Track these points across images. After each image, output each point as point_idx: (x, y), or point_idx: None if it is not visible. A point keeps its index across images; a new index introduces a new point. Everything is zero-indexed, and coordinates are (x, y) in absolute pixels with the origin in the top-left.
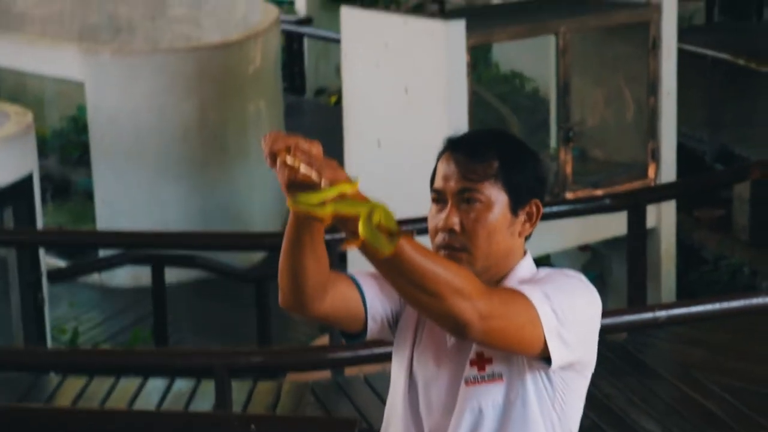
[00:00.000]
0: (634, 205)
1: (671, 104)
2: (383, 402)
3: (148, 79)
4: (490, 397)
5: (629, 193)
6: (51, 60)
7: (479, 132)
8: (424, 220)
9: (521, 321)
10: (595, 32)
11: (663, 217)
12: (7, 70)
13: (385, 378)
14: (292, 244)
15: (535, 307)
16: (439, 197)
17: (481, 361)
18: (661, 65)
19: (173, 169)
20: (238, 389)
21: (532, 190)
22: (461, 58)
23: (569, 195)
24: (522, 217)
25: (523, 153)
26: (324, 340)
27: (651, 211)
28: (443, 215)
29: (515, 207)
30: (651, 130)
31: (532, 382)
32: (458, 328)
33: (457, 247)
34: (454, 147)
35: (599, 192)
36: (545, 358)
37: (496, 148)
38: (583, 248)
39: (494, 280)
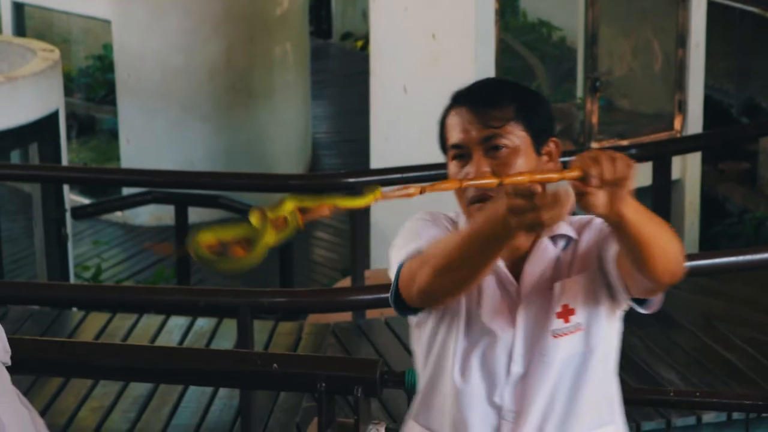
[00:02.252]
0: (660, 156)
1: (699, 56)
2: (403, 344)
3: (175, 19)
4: (575, 346)
5: (655, 144)
6: None
7: (485, 81)
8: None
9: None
10: None
11: (688, 168)
12: (35, 7)
13: (405, 321)
14: (488, 247)
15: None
16: (460, 152)
17: (566, 313)
18: (690, 17)
19: (198, 109)
20: (260, 329)
21: (548, 128)
22: (490, 5)
23: (594, 145)
24: (545, 156)
25: (533, 95)
26: (346, 282)
27: (676, 162)
28: (470, 168)
29: (538, 147)
30: (678, 82)
31: (607, 328)
32: (678, 270)
33: (492, 196)
34: (465, 99)
35: (625, 142)
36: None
37: (509, 93)
38: None
39: None
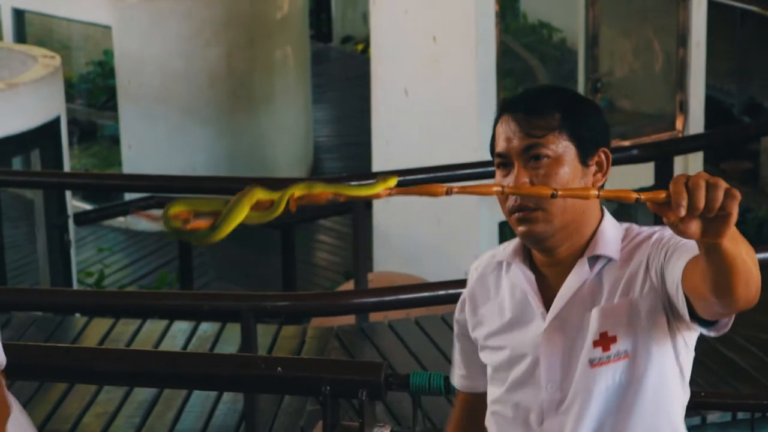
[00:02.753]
0: (662, 156)
1: (700, 56)
2: (407, 347)
3: (176, 24)
4: (618, 375)
5: (656, 145)
6: (79, 4)
7: (535, 89)
8: (450, 168)
9: None
10: None
11: (690, 168)
12: (35, 13)
13: (410, 324)
14: None
15: None
16: (503, 161)
17: (605, 341)
18: (690, 16)
19: (199, 114)
20: (264, 333)
21: (598, 138)
22: (490, 7)
23: None
24: (592, 167)
25: (582, 103)
26: (349, 285)
27: (678, 162)
28: (511, 177)
29: (584, 157)
30: (679, 82)
31: (660, 355)
32: (752, 300)
33: (531, 206)
34: (511, 107)
35: (626, 143)
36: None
37: (555, 101)
38: (610, 199)
39: (575, 238)
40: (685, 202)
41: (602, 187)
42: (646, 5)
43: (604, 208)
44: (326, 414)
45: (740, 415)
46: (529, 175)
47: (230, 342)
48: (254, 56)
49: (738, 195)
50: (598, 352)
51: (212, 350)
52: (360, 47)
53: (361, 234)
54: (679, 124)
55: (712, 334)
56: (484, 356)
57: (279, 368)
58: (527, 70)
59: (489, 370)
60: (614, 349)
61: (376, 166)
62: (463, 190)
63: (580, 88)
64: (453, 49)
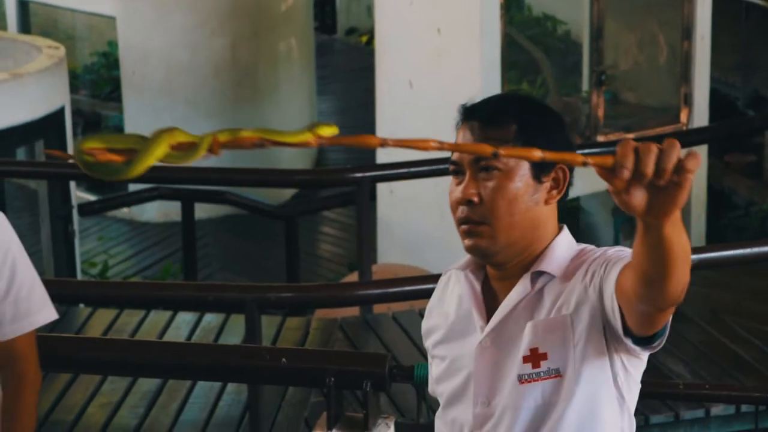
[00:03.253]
0: None
1: (705, 49)
2: (411, 339)
3: (180, 15)
4: (545, 394)
5: (661, 137)
6: None
7: (496, 96)
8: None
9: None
10: None
11: None
12: (39, 4)
13: (414, 315)
14: None
15: None
16: (457, 169)
17: (535, 357)
18: (695, 9)
19: (204, 105)
20: (268, 324)
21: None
22: None
23: (601, 138)
24: (547, 183)
25: (544, 115)
26: (353, 277)
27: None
28: (461, 187)
29: (538, 173)
30: (684, 75)
31: (593, 376)
32: (677, 298)
33: (477, 219)
34: (469, 115)
35: (630, 136)
36: (636, 339)
37: (514, 112)
38: None
39: (524, 254)
40: (630, 165)
41: (562, 202)
42: None
43: (564, 226)
44: (330, 405)
45: (744, 407)
46: (478, 186)
47: (234, 333)
48: (259, 47)
49: (693, 166)
50: (528, 368)
51: (216, 341)
52: (364, 39)
53: (365, 226)
54: (683, 117)
55: (646, 352)
56: (432, 367)
57: (283, 359)
58: (532, 62)
59: (432, 383)
60: (544, 366)
61: (381, 157)
62: (398, 143)
63: (585, 81)
64: (458, 41)
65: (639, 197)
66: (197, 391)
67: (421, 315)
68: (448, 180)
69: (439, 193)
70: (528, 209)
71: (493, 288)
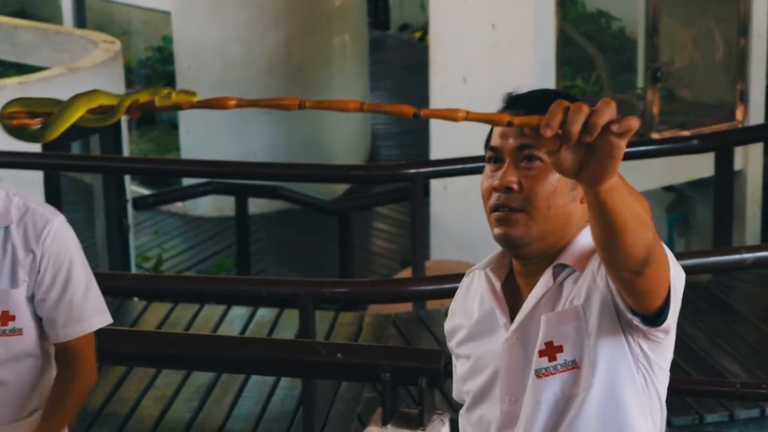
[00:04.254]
0: (722, 147)
1: (762, 46)
2: None
3: (235, 10)
4: (563, 387)
5: (716, 135)
6: None
7: (539, 90)
8: None
9: (665, 270)
10: None
11: (750, 159)
12: None
13: None
14: None
15: (669, 264)
16: (495, 155)
17: (551, 351)
18: (752, 6)
19: None
20: (321, 320)
21: None
22: None
23: (655, 135)
24: None
25: None
26: (406, 273)
27: (738, 153)
28: (500, 173)
29: None
30: (740, 72)
31: (611, 364)
32: (642, 260)
33: (515, 207)
34: (513, 104)
35: (686, 133)
36: (646, 319)
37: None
38: (668, 189)
39: (552, 250)
40: (555, 124)
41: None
42: None
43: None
44: (385, 401)
45: None
46: (519, 174)
47: (287, 328)
48: (313, 43)
49: (629, 127)
50: (545, 362)
51: (270, 336)
52: (417, 35)
53: (419, 222)
54: (739, 114)
55: (659, 332)
56: (456, 366)
57: (339, 354)
58: (585, 58)
59: (457, 382)
60: (561, 358)
61: (434, 153)
62: (429, 113)
63: (640, 77)
64: (512, 36)
65: (569, 159)
66: (251, 385)
67: None
68: None
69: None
70: (565, 204)
71: (517, 284)
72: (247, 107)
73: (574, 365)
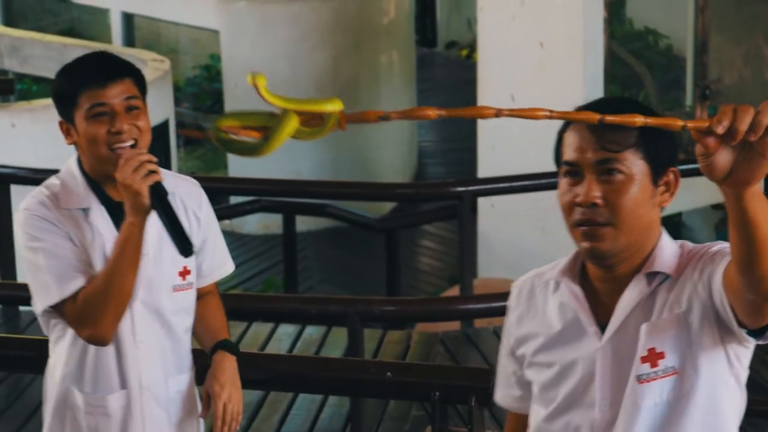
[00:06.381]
0: None
1: None
2: None
3: (283, 28)
4: (665, 391)
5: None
6: (187, 8)
7: (611, 99)
8: (556, 174)
9: None
10: None
11: None
12: (144, 17)
13: None
14: None
15: None
16: (572, 170)
17: (653, 357)
18: None
19: None
20: (369, 338)
21: (669, 158)
22: (599, 13)
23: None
24: (662, 187)
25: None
26: (453, 291)
27: None
28: (580, 189)
29: (655, 177)
30: None
31: (711, 370)
32: None
33: (601, 221)
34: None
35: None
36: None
37: (634, 112)
38: (716, 207)
39: (636, 256)
40: (727, 122)
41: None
42: (757, 11)
43: (663, 227)
44: (435, 419)
45: None
46: (602, 189)
47: (335, 346)
48: (360, 61)
49: None
50: (646, 368)
51: (317, 354)
52: (464, 52)
53: (467, 240)
54: None
55: (761, 342)
56: (531, 373)
57: (388, 373)
58: (633, 76)
59: (535, 389)
60: (662, 365)
61: (482, 171)
62: (512, 113)
63: (688, 95)
64: (560, 54)
65: (724, 159)
66: (298, 403)
67: None
68: (549, 195)
69: (540, 207)
70: (647, 212)
71: (595, 289)
72: (440, 117)
73: (674, 371)
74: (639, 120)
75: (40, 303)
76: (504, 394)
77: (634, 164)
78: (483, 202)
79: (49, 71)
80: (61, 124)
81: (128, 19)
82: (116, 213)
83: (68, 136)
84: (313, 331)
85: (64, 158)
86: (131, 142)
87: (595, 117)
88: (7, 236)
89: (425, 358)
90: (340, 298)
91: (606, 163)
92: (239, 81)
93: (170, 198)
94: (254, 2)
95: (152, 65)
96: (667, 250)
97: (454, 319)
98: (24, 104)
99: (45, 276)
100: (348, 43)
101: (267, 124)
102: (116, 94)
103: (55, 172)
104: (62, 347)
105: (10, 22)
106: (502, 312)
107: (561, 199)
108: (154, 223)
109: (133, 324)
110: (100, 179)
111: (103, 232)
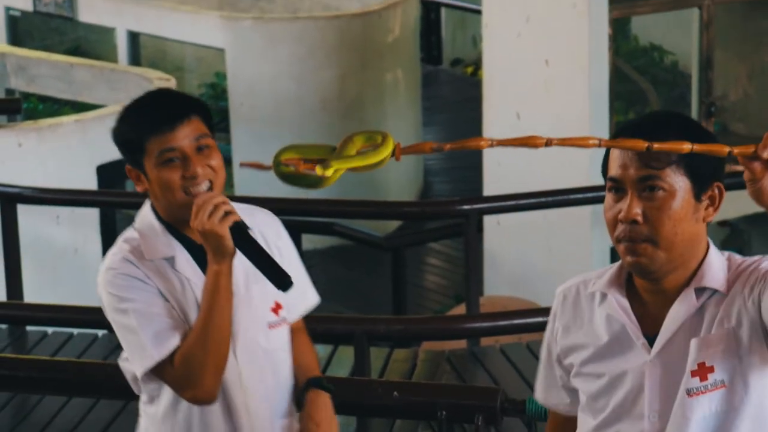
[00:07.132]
0: None
1: None
2: (519, 372)
3: (288, 47)
4: (714, 405)
5: None
6: (192, 27)
7: (655, 114)
8: (562, 192)
9: None
10: (739, 6)
11: None
12: (150, 36)
13: (521, 349)
14: None
15: None
16: (616, 186)
17: (703, 371)
18: None
19: (311, 137)
20: (375, 357)
21: (713, 173)
22: (603, 31)
23: None
24: (705, 201)
25: (702, 134)
26: (459, 309)
27: None
28: (623, 205)
29: (698, 192)
30: None
31: (759, 381)
32: None
33: (641, 238)
34: (629, 133)
35: (741, 168)
36: None
37: (677, 132)
38: (722, 223)
39: (683, 269)
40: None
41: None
42: (761, 28)
43: (710, 239)
44: None
45: None
46: (643, 205)
47: (342, 365)
48: (366, 79)
49: None
50: (696, 381)
51: (324, 373)
52: (469, 70)
53: (473, 258)
54: None
55: None
56: (578, 383)
57: (395, 392)
58: (638, 92)
59: (583, 399)
60: (711, 378)
61: (488, 189)
62: (562, 142)
63: (693, 112)
64: (565, 72)
65: None
66: None
67: (528, 348)
68: (556, 212)
69: (547, 224)
70: (690, 227)
71: (642, 300)
72: (498, 146)
73: (723, 384)
74: (686, 147)
75: (139, 367)
76: (549, 395)
77: (676, 181)
78: (489, 220)
79: (56, 90)
80: (129, 171)
81: (134, 37)
82: (200, 256)
83: (139, 183)
84: (319, 350)
85: (71, 178)
86: (207, 185)
87: (643, 145)
88: (14, 256)
89: (431, 377)
90: (346, 317)
91: (648, 180)
92: (245, 99)
93: (251, 232)
94: (259, 21)
95: (158, 84)
96: (716, 264)
97: (460, 337)
98: (30, 124)
99: (139, 337)
100: (353, 61)
101: (326, 157)
102: (185, 135)
103: (61, 191)
104: (159, 407)
105: (16, 42)
106: (510, 330)
107: (606, 215)
108: (237, 262)
109: (240, 370)
110: (178, 224)
111: (192, 278)
